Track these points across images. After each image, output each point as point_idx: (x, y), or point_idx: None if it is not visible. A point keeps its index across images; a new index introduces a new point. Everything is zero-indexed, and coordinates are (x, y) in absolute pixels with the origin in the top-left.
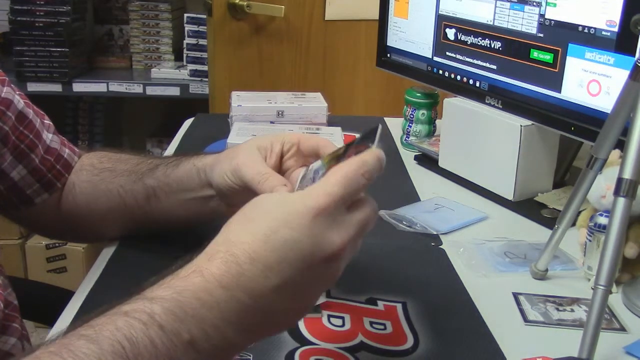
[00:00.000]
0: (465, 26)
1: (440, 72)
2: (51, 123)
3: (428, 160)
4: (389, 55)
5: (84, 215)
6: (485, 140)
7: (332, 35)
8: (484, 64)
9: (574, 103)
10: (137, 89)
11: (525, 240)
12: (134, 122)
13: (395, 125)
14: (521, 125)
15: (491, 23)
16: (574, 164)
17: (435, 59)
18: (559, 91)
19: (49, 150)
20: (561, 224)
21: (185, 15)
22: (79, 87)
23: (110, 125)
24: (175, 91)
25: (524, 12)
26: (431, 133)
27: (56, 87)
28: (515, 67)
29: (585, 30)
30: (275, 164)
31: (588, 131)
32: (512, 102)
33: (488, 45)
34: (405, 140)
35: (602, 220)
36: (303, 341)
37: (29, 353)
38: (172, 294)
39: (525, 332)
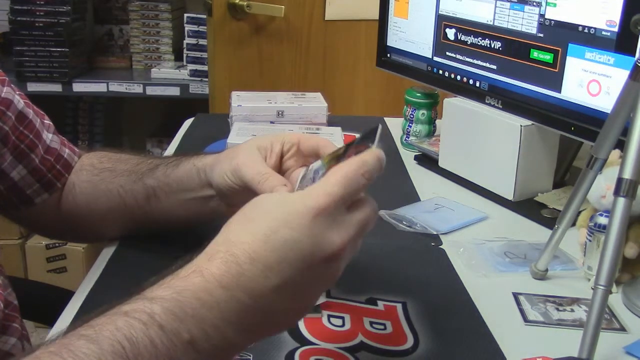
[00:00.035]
0: (465, 26)
1: (440, 72)
2: (51, 123)
3: (428, 160)
4: (389, 55)
5: (84, 215)
6: (485, 140)
7: (332, 35)
8: (484, 64)
9: (574, 103)
10: (137, 89)
11: (525, 240)
12: (134, 122)
13: (395, 125)
14: (521, 125)
15: (491, 23)
16: (574, 164)
17: (435, 59)
18: (559, 91)
19: (49, 150)
20: (561, 224)
21: (185, 15)
22: (79, 87)
23: (110, 125)
24: (175, 91)
25: (524, 12)
26: (431, 133)
27: (56, 87)
28: (515, 67)
29: (585, 30)
30: (275, 164)
31: (588, 131)
32: (512, 102)
33: (488, 45)
34: (405, 140)
35: (602, 220)
36: (303, 341)
37: (29, 353)
38: (172, 294)
39: (525, 332)
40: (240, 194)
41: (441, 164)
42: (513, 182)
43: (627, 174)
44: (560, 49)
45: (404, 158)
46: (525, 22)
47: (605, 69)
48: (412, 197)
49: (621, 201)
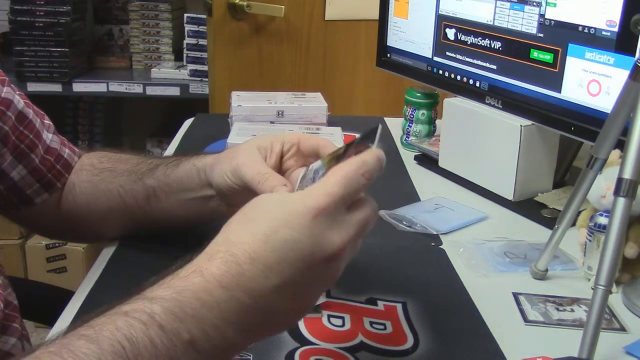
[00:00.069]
0: (465, 26)
1: (440, 72)
2: (51, 123)
3: (428, 160)
4: (389, 55)
5: (84, 215)
6: (485, 140)
7: (332, 35)
8: (484, 64)
9: (574, 103)
10: (137, 89)
11: (525, 240)
12: (134, 122)
13: (395, 125)
14: (521, 125)
15: (491, 23)
16: (574, 164)
17: (435, 59)
18: (559, 91)
19: (49, 150)
20: (561, 224)
21: (185, 15)
22: (79, 87)
23: (110, 125)
24: (175, 91)
25: (524, 12)
26: (431, 133)
27: (56, 87)
28: (515, 67)
29: (585, 30)
30: (275, 164)
31: (588, 131)
32: (512, 102)
33: (488, 45)
34: (405, 140)
35: (602, 220)
36: (303, 341)
37: (29, 353)
38: (172, 294)
39: (525, 332)
40: (240, 194)
41: (441, 164)
42: (513, 182)
43: (627, 174)
44: (560, 49)
45: (404, 158)
46: (525, 22)
47: (605, 69)
48: (412, 197)
49: (621, 201)
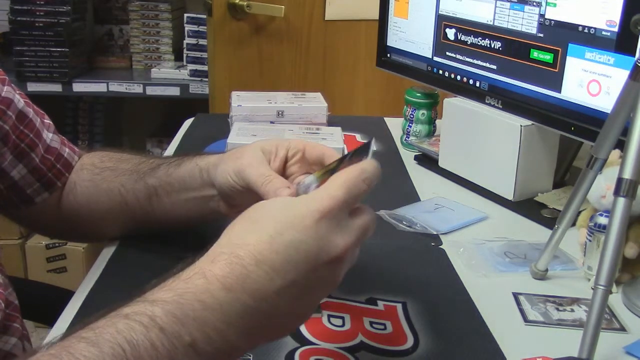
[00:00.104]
0: (465, 26)
1: (440, 72)
2: (51, 122)
3: (428, 160)
4: (389, 55)
5: (85, 215)
6: (485, 140)
7: (332, 35)
8: (484, 64)
9: (574, 103)
10: (137, 89)
11: (525, 240)
12: (134, 122)
13: (395, 125)
14: (521, 125)
15: (491, 23)
16: (574, 164)
17: (435, 59)
18: (559, 91)
19: (49, 150)
20: (561, 224)
21: (185, 15)
22: (79, 87)
23: (110, 125)
24: (175, 91)
25: (524, 12)
26: (431, 133)
27: (56, 87)
28: (515, 67)
29: (585, 30)
30: (279, 169)
31: (588, 131)
32: (512, 102)
33: (488, 45)
34: (405, 140)
35: (602, 220)
36: (303, 341)
37: (30, 355)
38: (173, 297)
39: (525, 332)
40: (242, 195)
41: (441, 164)
42: (513, 182)
43: (627, 174)
44: (560, 49)
45: (404, 158)
46: (525, 22)
47: (605, 69)
48: (412, 197)
49: (621, 201)
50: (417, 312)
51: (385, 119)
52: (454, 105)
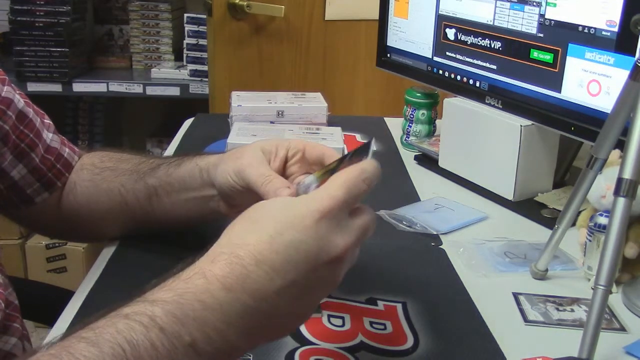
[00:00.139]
0: (465, 26)
1: (440, 72)
2: (51, 122)
3: (428, 160)
4: (389, 55)
5: (85, 215)
6: (485, 140)
7: (332, 35)
8: (484, 64)
9: (574, 103)
10: (137, 89)
11: (525, 240)
12: (134, 122)
13: (395, 125)
14: (521, 125)
15: (491, 23)
16: (574, 164)
17: (435, 59)
18: (559, 91)
19: (49, 150)
20: (561, 224)
21: (185, 15)
22: (79, 87)
23: (110, 125)
24: (175, 91)
25: (524, 12)
26: (431, 133)
27: (56, 87)
28: (515, 67)
29: (585, 30)
30: (279, 169)
31: (588, 131)
32: (512, 102)
33: (488, 45)
34: (405, 140)
35: (602, 220)
36: (303, 341)
37: (30, 355)
38: (173, 297)
39: (525, 332)
40: (242, 195)
41: (441, 164)
42: (513, 182)
43: (627, 174)
44: (560, 49)
45: (404, 158)
46: (525, 22)
47: (605, 69)
48: (412, 197)
49: (621, 201)
50: (417, 312)
51: (385, 119)
52: (454, 105)
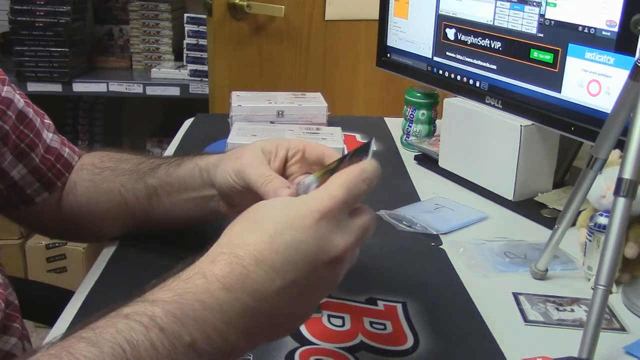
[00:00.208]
0: (465, 26)
1: (440, 72)
2: (51, 122)
3: (428, 160)
4: (389, 55)
5: (85, 215)
6: (485, 140)
7: (332, 35)
8: (484, 64)
9: (574, 103)
10: (137, 89)
11: (525, 240)
12: (134, 122)
13: (395, 125)
14: (521, 125)
15: (491, 23)
16: (574, 164)
17: (435, 59)
18: (559, 91)
19: (49, 150)
20: (561, 224)
21: (185, 15)
22: (79, 87)
23: (110, 125)
24: (175, 91)
25: (524, 12)
26: (431, 133)
27: (56, 87)
28: (515, 67)
29: (585, 30)
30: (279, 169)
31: (588, 131)
32: (512, 102)
33: (488, 45)
34: (405, 140)
35: (602, 220)
36: (303, 341)
37: (30, 355)
38: (173, 297)
39: (525, 332)
40: (242, 195)
41: (441, 164)
42: (513, 182)
43: (627, 174)
44: (560, 49)
45: (404, 158)
46: (525, 22)
47: (605, 69)
48: (412, 197)
49: (621, 201)
50: (417, 312)
51: (385, 119)
52: (454, 105)
